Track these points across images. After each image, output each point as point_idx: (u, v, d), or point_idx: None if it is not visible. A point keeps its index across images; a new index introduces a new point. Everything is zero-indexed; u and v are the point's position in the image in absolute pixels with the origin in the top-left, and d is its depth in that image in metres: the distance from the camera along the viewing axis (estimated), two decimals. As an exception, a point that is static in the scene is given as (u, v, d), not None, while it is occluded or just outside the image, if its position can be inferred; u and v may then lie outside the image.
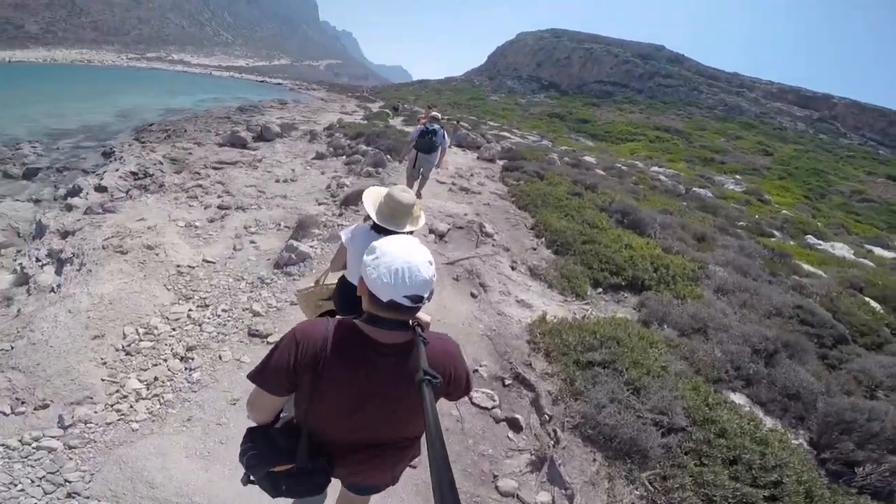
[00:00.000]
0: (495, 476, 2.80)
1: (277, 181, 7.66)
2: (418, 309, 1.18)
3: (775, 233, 15.39)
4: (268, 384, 1.19)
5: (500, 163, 13.02)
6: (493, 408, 3.32)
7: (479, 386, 3.56)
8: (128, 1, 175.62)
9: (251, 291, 4.28)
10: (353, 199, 6.44)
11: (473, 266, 5.38)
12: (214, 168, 9.02)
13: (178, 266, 4.52)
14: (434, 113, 6.90)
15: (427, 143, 6.27)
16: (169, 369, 3.17)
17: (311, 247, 4.93)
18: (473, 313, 4.60)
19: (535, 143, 25.37)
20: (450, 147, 7.41)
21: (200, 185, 6.89)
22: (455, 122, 22.53)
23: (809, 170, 36.29)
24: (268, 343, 3.53)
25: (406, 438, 1.36)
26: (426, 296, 1.15)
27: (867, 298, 9.26)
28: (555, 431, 3.13)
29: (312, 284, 2.74)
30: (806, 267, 10.43)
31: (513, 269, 5.56)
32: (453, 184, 9.09)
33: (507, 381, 3.69)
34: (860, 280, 10.29)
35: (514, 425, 3.22)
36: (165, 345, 3.40)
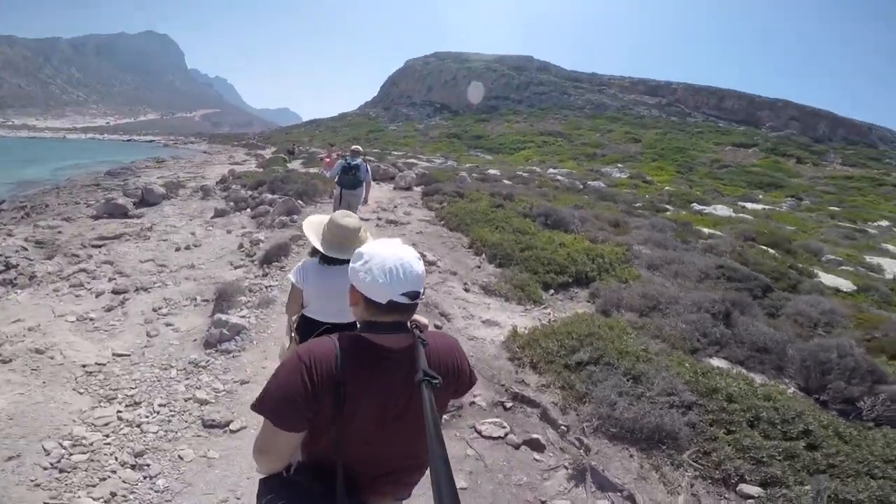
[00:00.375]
0: (543, 502, 2.62)
1: (178, 249, 6.64)
2: (416, 306, 1.15)
3: (668, 207, 17.31)
4: (285, 420, 1.04)
5: (418, 189, 12.96)
6: (506, 435, 3.11)
7: (481, 417, 3.32)
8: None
9: (187, 378, 3.57)
10: (276, 254, 5.79)
11: (427, 296, 5.08)
12: (95, 245, 7.65)
13: (84, 366, 3.64)
14: (355, 147, 6.86)
15: (351, 180, 6.18)
16: (124, 481, 2.60)
17: (243, 317, 4.27)
18: None
19: (441, 164, 26.13)
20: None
21: (84, 270, 5.71)
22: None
23: (674, 149, 41.93)
24: (230, 431, 3.02)
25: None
26: (421, 291, 1.12)
27: (762, 246, 10.71)
28: (580, 440, 3.00)
29: (287, 342, 2.38)
30: (705, 230, 11.79)
31: (466, 290, 5.37)
32: (378, 218, 8.75)
33: (507, 405, 3.48)
34: (751, 231, 11.87)
35: (536, 446, 3.03)
36: (105, 454, 2.77)
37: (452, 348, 1.27)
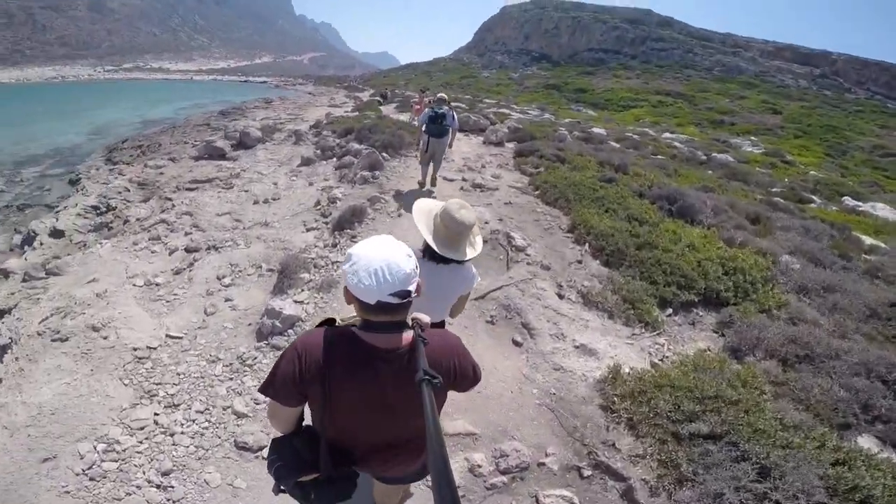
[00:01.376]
0: None
1: (256, 202, 6.38)
2: (408, 305, 1.18)
3: (813, 198, 14.05)
4: (279, 396, 1.20)
5: (510, 145, 11.64)
6: (574, 514, 2.29)
7: (549, 486, 2.61)
8: (90, 14, 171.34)
9: (231, 379, 3.19)
10: (349, 220, 5.19)
11: (509, 298, 4.17)
12: (188, 189, 7.78)
13: (135, 349, 3.43)
14: (441, 95, 6.98)
15: (438, 128, 6.40)
16: (147, 501, 2.40)
17: (300, 302, 3.75)
18: (522, 371, 3.47)
19: (537, 117, 23.91)
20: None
21: (164, 221, 5.65)
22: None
23: (824, 126, 34.54)
24: (262, 459, 2.65)
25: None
26: (412, 289, 1.14)
27: None
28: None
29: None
30: (865, 239, 9.20)
31: (560, 297, 4.34)
32: (463, 179, 7.81)
33: (585, 472, 2.72)
34: None
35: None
36: (134, 465, 2.61)
37: (454, 347, 1.29)
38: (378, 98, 27.47)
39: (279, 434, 1.32)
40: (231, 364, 3.32)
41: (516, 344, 3.74)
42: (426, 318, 1.34)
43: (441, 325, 2.24)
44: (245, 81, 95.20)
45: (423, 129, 6.45)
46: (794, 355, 3.95)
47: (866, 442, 3.22)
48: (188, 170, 9.24)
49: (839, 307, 5.19)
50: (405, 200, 6.45)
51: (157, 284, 4.32)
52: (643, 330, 4.15)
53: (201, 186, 7.85)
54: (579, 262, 5.00)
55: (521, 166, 8.96)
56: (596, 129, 19.83)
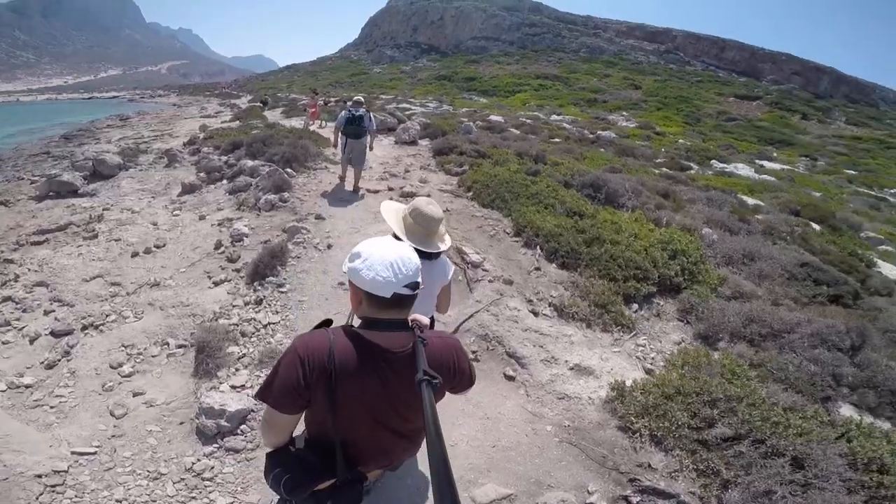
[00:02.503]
0: None
1: (135, 255, 4.96)
2: (415, 297, 1.18)
3: (691, 165, 15.75)
4: (280, 404, 1.14)
5: (424, 143, 11.08)
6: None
7: None
8: None
9: (193, 499, 2.34)
10: (268, 264, 4.19)
11: (485, 326, 3.68)
12: (35, 243, 5.95)
13: (40, 476, 2.38)
14: (357, 97, 7.11)
15: (356, 129, 6.46)
16: None
17: (239, 388, 2.86)
18: (527, 408, 3.09)
19: (436, 109, 23.92)
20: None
21: (11, 299, 4.11)
22: (338, 102, 19.94)
23: (676, 98, 39.54)
24: None
25: None
26: (420, 280, 1.16)
27: (809, 222, 9.47)
28: None
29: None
30: (748, 200, 10.40)
31: (535, 313, 3.95)
32: (389, 189, 7.11)
33: (633, 499, 2.55)
34: (794, 204, 10.55)
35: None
36: None
37: (453, 348, 1.28)
38: (258, 104, 25.03)
39: (271, 448, 1.27)
40: (183, 479, 2.42)
41: (509, 378, 3.32)
42: (425, 320, 1.33)
43: (431, 322, 2.29)
44: (90, 98, 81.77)
45: (341, 130, 6.56)
46: (758, 335, 4.12)
47: (846, 411, 3.45)
48: (30, 215, 7.18)
49: (764, 274, 5.64)
50: (332, 226, 5.57)
51: (26, 386, 3.04)
52: (622, 333, 3.97)
53: (53, 238, 6.06)
54: (537, 269, 4.66)
55: (445, 166, 8.48)
56: (493, 117, 20.20)
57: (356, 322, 1.98)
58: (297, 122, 15.63)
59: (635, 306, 4.38)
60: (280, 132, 11.03)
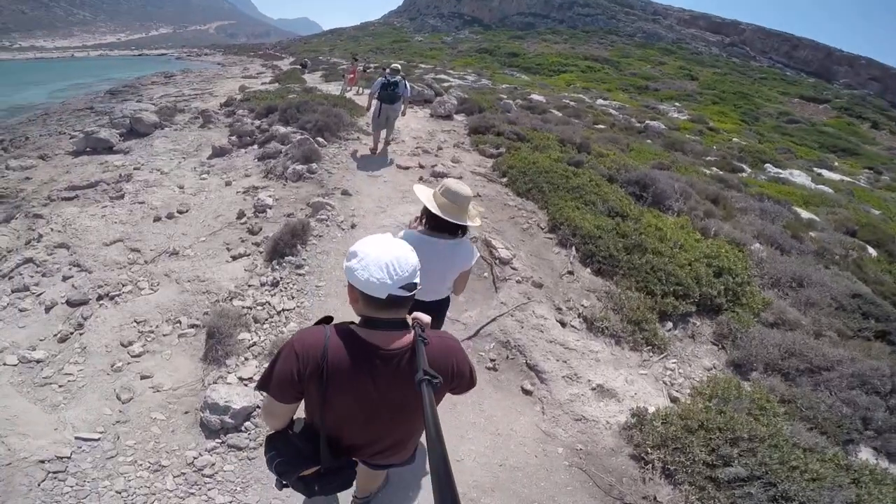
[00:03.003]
0: None
1: (157, 218, 4.89)
2: (412, 298, 1.17)
3: (743, 167, 14.65)
4: (276, 394, 1.19)
5: (459, 118, 10.61)
6: None
7: None
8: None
9: (192, 495, 2.27)
10: (288, 242, 4.00)
11: (507, 333, 3.39)
12: (66, 199, 6.00)
13: (43, 462, 2.34)
14: (395, 65, 7.20)
15: (390, 95, 6.59)
16: None
17: (246, 380, 2.75)
18: (541, 427, 2.85)
19: (475, 83, 23.15)
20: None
21: (32, 261, 4.09)
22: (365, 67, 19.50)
23: (735, 93, 36.94)
24: None
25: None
26: (417, 281, 1.15)
27: (865, 245, 8.61)
28: None
29: None
30: (801, 213, 9.55)
31: (562, 324, 3.61)
32: (420, 166, 6.80)
33: None
34: (852, 222, 9.62)
35: None
36: None
37: (453, 349, 1.27)
38: (298, 66, 24.82)
39: (273, 431, 1.32)
40: (184, 474, 2.35)
41: (526, 392, 3.07)
42: (426, 318, 1.32)
43: (446, 301, 2.33)
44: (140, 55, 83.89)
45: (377, 95, 6.63)
46: (796, 369, 3.76)
47: (865, 454, 3.25)
48: (65, 170, 7.28)
49: (812, 302, 5.12)
50: (358, 203, 5.34)
51: (37, 361, 3.01)
52: (651, 354, 3.61)
53: (82, 195, 6.10)
54: (570, 272, 4.30)
55: (480, 146, 8.06)
56: (535, 96, 19.35)
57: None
58: (334, 88, 15.37)
59: (669, 325, 3.99)
60: (315, 98, 10.78)
